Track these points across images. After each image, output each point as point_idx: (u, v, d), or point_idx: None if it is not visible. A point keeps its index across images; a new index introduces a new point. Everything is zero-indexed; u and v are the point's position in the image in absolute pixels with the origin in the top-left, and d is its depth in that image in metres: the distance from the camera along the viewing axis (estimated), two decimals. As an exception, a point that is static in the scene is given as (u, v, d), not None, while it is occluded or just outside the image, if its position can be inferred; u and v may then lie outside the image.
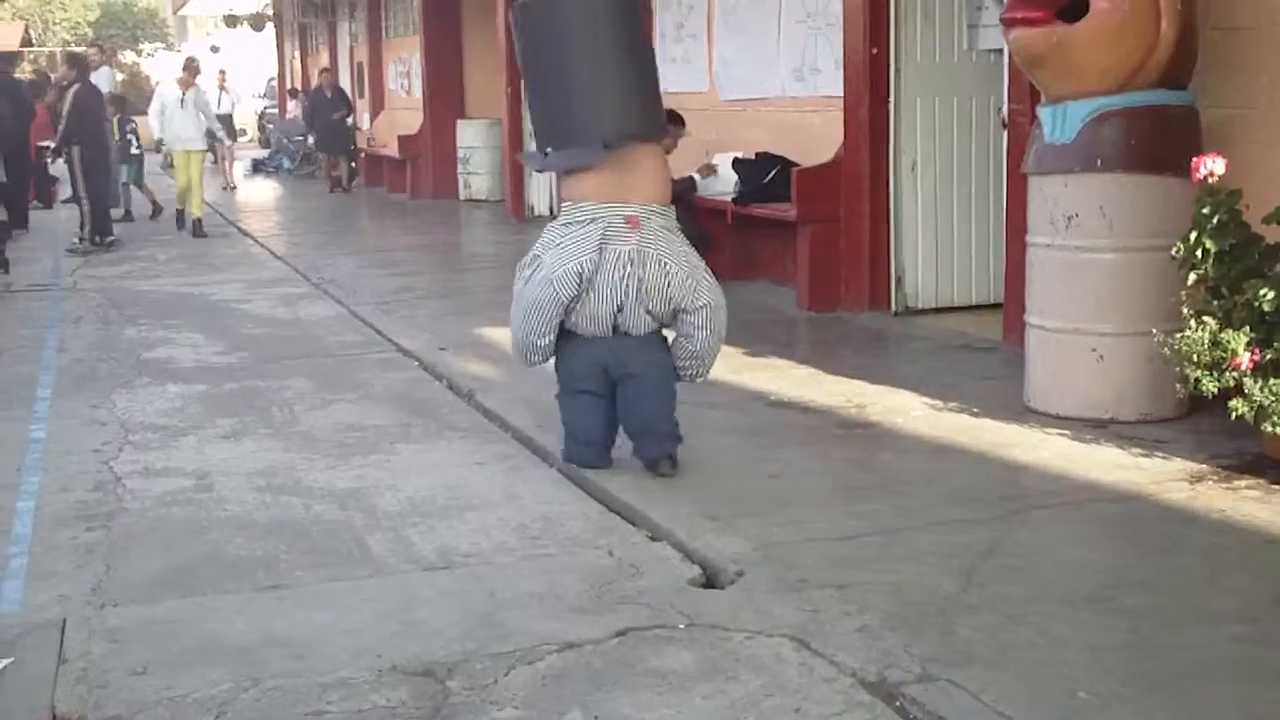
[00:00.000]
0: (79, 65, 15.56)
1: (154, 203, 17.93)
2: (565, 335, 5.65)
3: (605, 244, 5.46)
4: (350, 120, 22.64)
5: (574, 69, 5.52)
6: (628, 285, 5.48)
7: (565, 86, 5.55)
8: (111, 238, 14.83)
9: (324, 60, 28.97)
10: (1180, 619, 4.03)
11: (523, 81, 5.88)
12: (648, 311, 5.56)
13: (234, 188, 22.62)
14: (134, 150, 17.82)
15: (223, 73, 25.13)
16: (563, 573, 4.58)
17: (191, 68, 17.07)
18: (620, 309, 5.52)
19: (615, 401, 5.72)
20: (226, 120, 23.23)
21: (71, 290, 11.74)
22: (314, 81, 28.77)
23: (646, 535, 4.95)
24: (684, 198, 10.27)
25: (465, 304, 10.46)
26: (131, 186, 17.86)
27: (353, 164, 22.84)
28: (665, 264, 5.52)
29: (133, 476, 5.91)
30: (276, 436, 6.55)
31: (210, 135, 17.01)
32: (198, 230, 15.71)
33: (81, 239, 14.52)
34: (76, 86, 14.95)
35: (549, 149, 5.72)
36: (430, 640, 4.03)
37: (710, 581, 4.47)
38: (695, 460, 6.00)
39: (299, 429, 6.69)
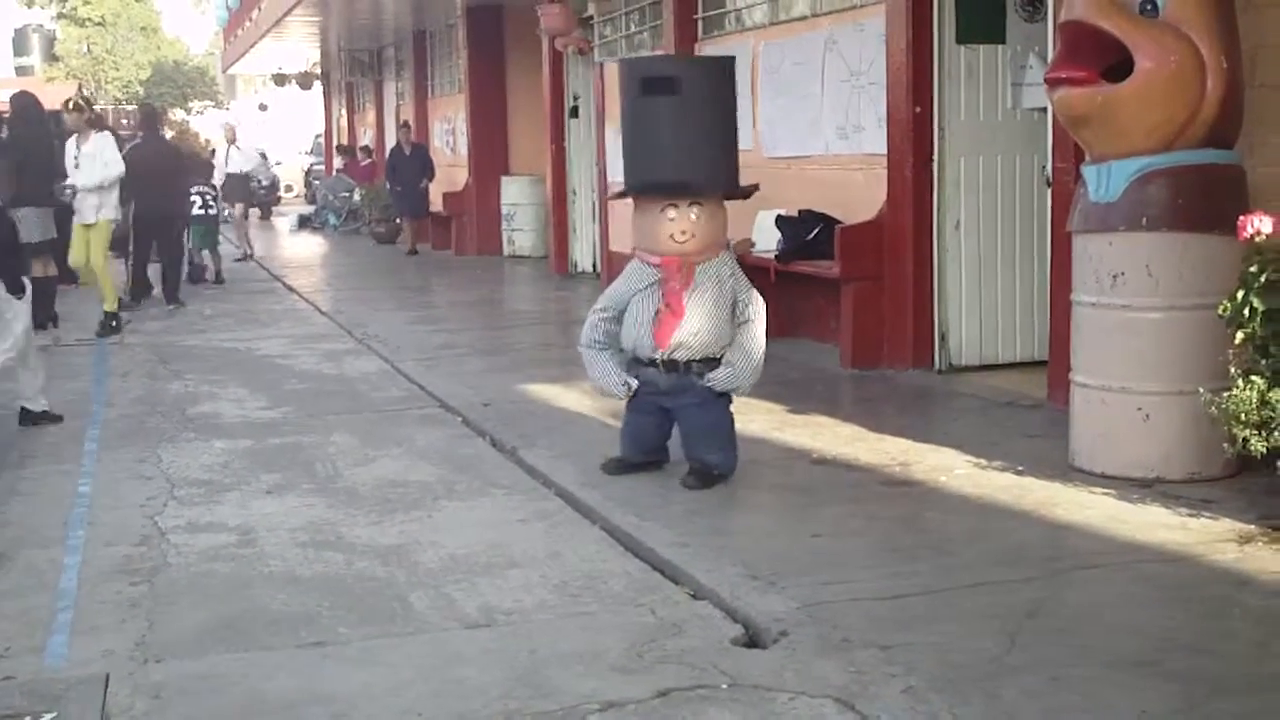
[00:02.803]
0: (145, 119, 15.63)
1: (217, 271, 17.43)
2: None
3: None
4: (424, 183, 21.40)
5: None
6: None
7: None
8: (175, 304, 14.52)
9: (370, 118, 29.33)
10: (1233, 684, 3.97)
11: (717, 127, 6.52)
12: None
13: (250, 256, 20.53)
14: (196, 210, 16.80)
15: (231, 127, 22.69)
16: (605, 631, 4.56)
17: (75, 106, 13.12)
18: None
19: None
20: (241, 180, 20.90)
21: (119, 345, 11.85)
22: (361, 138, 29.06)
23: (689, 594, 4.92)
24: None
25: (508, 360, 10.50)
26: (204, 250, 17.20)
27: (397, 220, 22.88)
28: None
29: (177, 531, 5.94)
30: (320, 492, 6.58)
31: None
32: (104, 329, 12.37)
33: (131, 294, 14.65)
34: (135, 142, 15.03)
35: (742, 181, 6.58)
36: (472, 699, 4.02)
37: (753, 641, 4.44)
38: (738, 518, 6.00)
39: (342, 484, 6.72)
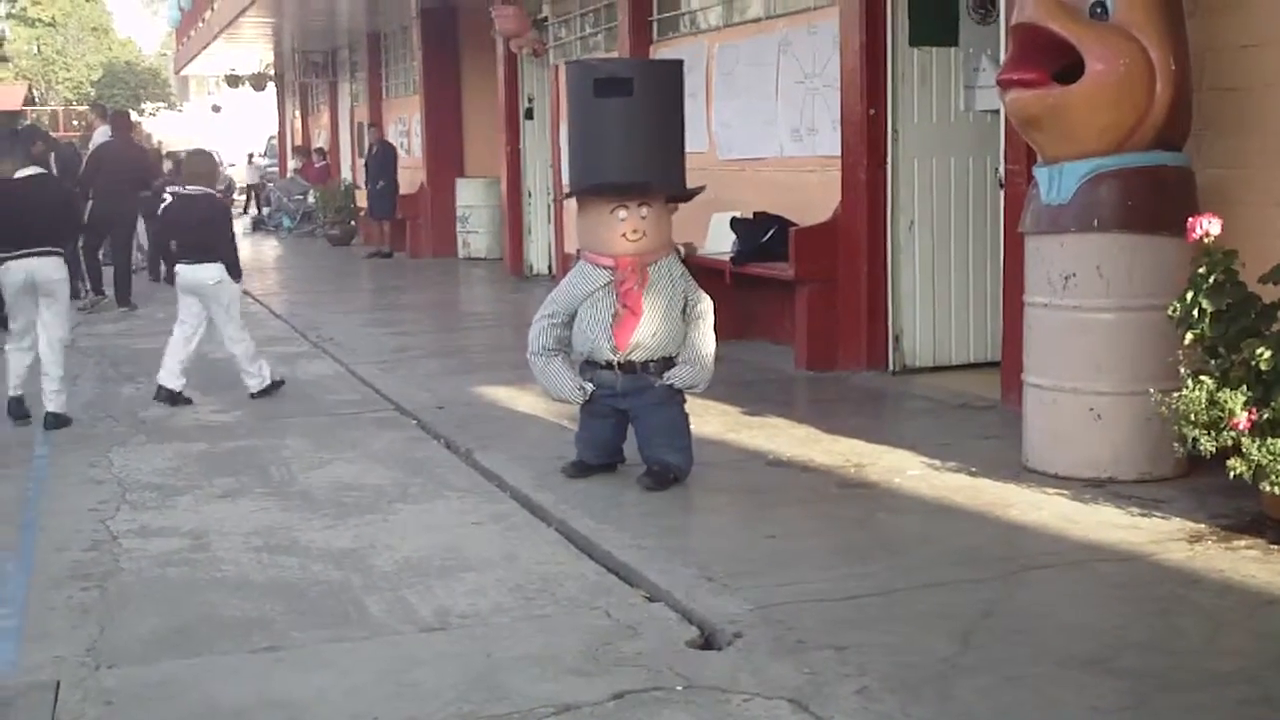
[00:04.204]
0: (107, 118, 15.47)
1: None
2: None
3: None
4: (380, 185, 20.84)
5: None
6: None
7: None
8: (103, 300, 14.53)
9: (324, 120, 29.19)
10: (1182, 681, 4.01)
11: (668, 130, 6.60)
12: None
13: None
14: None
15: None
16: (560, 634, 4.56)
17: None
18: None
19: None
20: None
21: (70, 348, 11.71)
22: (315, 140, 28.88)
23: (644, 596, 4.92)
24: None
25: (464, 362, 10.48)
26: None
27: (353, 222, 22.78)
28: None
29: (129, 536, 5.89)
30: (274, 496, 6.54)
31: None
32: None
33: (85, 293, 14.55)
34: (100, 142, 14.90)
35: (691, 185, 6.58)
36: (427, 702, 4.01)
37: (708, 643, 4.44)
38: (693, 520, 6.00)
39: (296, 488, 6.68)
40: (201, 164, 9.61)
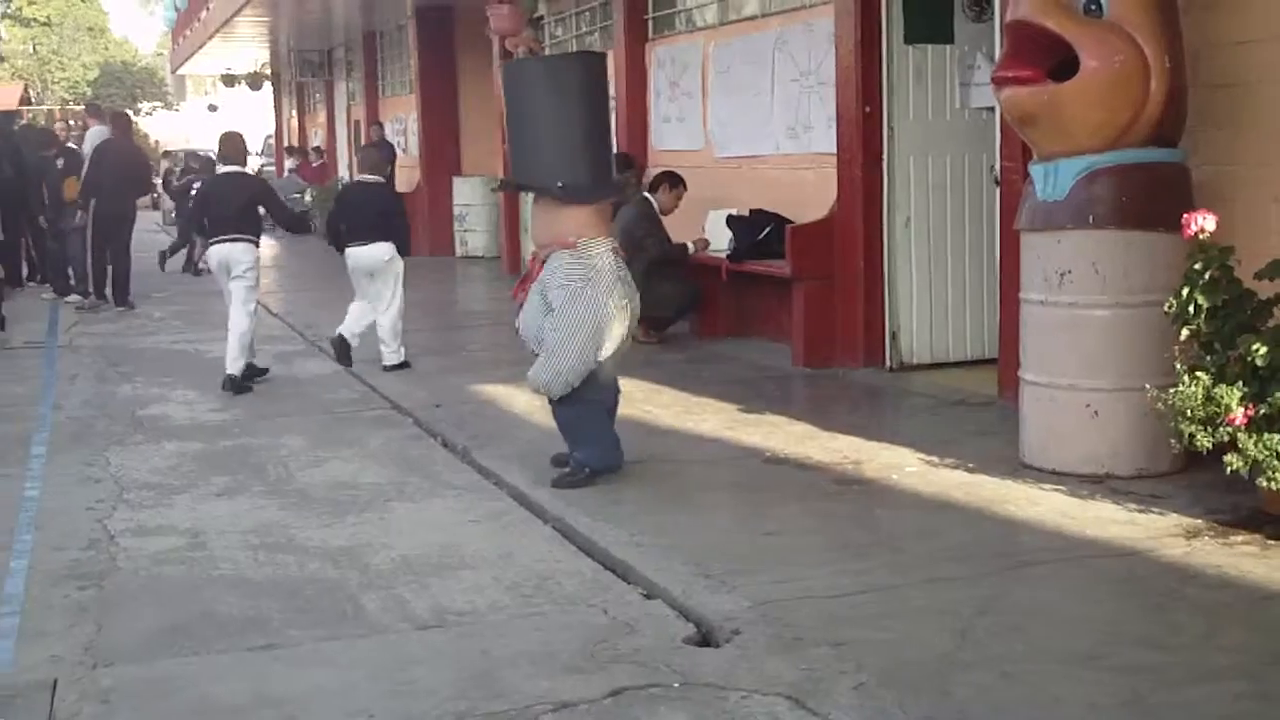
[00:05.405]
0: (103, 119, 15.47)
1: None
2: None
3: (618, 270, 6.19)
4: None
5: (598, 120, 6.34)
6: (632, 305, 6.26)
7: (594, 134, 6.31)
8: (105, 302, 14.52)
9: (320, 119, 29.15)
10: (1179, 677, 4.01)
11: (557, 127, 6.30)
12: None
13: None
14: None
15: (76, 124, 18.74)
16: (557, 631, 4.56)
17: None
18: (629, 326, 6.28)
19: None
20: None
21: (67, 347, 11.74)
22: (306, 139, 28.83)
23: (641, 593, 4.93)
24: (675, 259, 10.41)
25: (460, 361, 10.48)
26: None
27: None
28: None
29: (126, 535, 5.89)
30: (271, 494, 6.54)
31: None
32: None
33: (86, 294, 14.54)
34: (98, 142, 14.90)
35: (562, 183, 6.14)
36: (423, 700, 4.01)
37: (705, 640, 4.45)
38: (690, 517, 6.00)
39: (293, 487, 6.68)
40: (375, 156, 11.14)
